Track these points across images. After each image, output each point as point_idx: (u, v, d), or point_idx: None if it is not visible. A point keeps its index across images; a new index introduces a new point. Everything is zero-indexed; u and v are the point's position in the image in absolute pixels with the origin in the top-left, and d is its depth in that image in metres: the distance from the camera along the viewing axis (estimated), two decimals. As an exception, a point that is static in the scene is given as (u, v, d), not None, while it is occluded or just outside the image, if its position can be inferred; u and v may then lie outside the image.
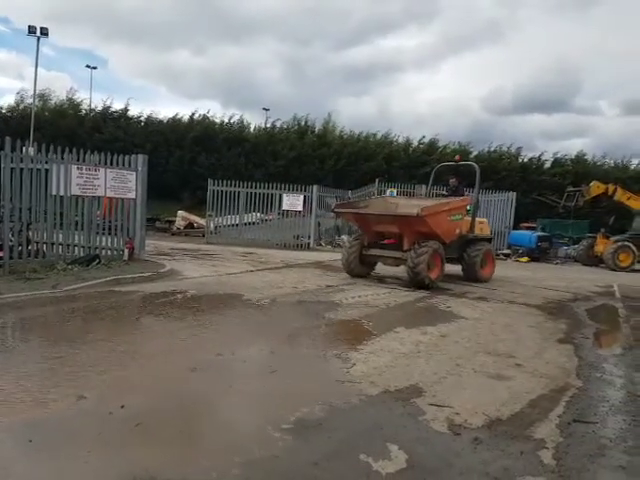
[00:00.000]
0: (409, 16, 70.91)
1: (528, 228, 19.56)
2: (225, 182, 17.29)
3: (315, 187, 17.68)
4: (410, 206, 9.62)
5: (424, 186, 18.81)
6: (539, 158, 28.44)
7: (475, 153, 28.30)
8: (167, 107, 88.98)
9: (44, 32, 25.94)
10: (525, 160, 28.31)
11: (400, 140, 29.10)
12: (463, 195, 11.03)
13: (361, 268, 9.70)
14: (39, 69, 59.12)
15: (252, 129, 29.42)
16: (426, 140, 28.72)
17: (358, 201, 10.47)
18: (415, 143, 28.89)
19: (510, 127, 56.35)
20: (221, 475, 2.46)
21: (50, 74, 59.01)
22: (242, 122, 29.26)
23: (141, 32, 65.25)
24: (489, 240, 10.81)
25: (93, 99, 33.20)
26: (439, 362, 4.47)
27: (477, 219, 10.37)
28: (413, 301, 7.65)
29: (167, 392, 3.52)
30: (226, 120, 28.93)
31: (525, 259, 16.53)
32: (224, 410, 3.35)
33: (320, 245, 17.82)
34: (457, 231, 9.44)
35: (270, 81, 63.14)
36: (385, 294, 8.05)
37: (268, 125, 30.06)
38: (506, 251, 17.63)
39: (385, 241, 9.54)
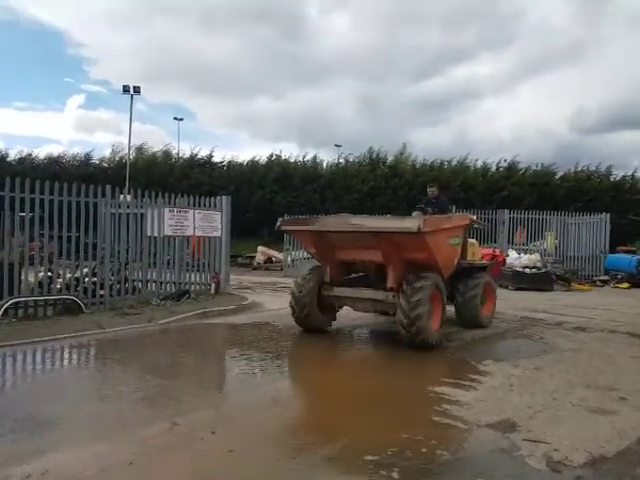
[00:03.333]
0: (484, 44, 70.00)
1: (627, 252, 17.94)
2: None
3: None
4: (388, 222, 6.91)
5: (506, 211, 18.07)
6: (632, 176, 26.31)
7: (560, 174, 26.77)
8: (248, 151, 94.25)
9: (136, 90, 28.88)
10: (617, 179, 26.30)
11: (477, 165, 28.34)
12: (446, 210, 8.22)
13: (320, 316, 6.64)
14: (135, 124, 65.56)
15: (325, 165, 30.19)
16: (505, 164, 27.71)
17: (312, 218, 7.42)
18: (493, 168, 27.97)
19: (600, 146, 52.56)
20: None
21: (145, 127, 65.24)
22: (316, 160, 30.20)
23: (224, 83, 70.47)
24: (485, 268, 7.96)
25: (182, 148, 36.04)
26: (534, 396, 4.20)
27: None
28: (501, 332, 7.26)
29: (253, 421, 3.62)
30: (300, 159, 30.03)
31: (625, 285, 15.12)
32: (323, 441, 3.36)
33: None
34: (455, 260, 6.72)
35: (345, 119, 64.83)
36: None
37: (341, 160, 30.71)
38: (603, 277, 16.27)
39: (353, 275, 6.84)
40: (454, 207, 19.48)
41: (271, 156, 30.06)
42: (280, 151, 30.61)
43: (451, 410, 3.80)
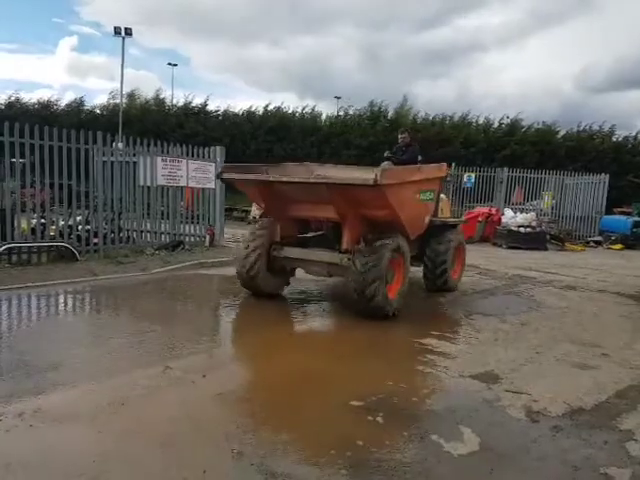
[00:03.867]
0: (494, -8, 67.24)
1: (623, 213, 17.96)
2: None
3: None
4: (354, 173, 6.02)
5: (505, 169, 17.88)
6: (635, 136, 25.93)
7: (562, 133, 26.37)
8: (244, 101, 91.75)
9: (128, 32, 27.66)
10: (619, 139, 25.96)
11: (480, 121, 27.81)
12: (415, 160, 6.99)
13: (270, 280, 5.83)
14: (129, 70, 63.45)
15: (323, 118, 29.50)
16: (508, 121, 27.20)
17: (264, 166, 6.30)
18: (496, 124, 27.46)
19: (605, 105, 51.69)
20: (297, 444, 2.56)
21: (139, 73, 63.15)
22: (314, 112, 29.49)
23: (220, 29, 67.87)
24: (456, 225, 7.19)
25: (177, 95, 34.97)
26: (518, 350, 4.30)
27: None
28: (491, 289, 7.36)
29: (243, 367, 3.70)
30: (299, 110, 29.32)
31: (619, 246, 15.23)
32: (311, 387, 3.45)
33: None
34: (426, 219, 6.01)
35: (345, 69, 62.91)
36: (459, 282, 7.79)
37: (340, 113, 29.99)
38: (597, 238, 16.36)
39: (311, 234, 6.09)
40: (453, 164, 19.31)
41: (267, 106, 29.29)
42: (282, 103, 29.82)
43: (436, 361, 3.89)
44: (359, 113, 29.13)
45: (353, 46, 65.92)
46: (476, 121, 27.91)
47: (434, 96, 54.85)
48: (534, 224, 14.34)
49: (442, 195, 7.04)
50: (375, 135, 26.68)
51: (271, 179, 5.51)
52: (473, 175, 18.15)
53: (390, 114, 28.75)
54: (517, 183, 17.73)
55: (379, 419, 2.85)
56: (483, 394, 3.29)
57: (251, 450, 2.44)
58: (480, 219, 14.62)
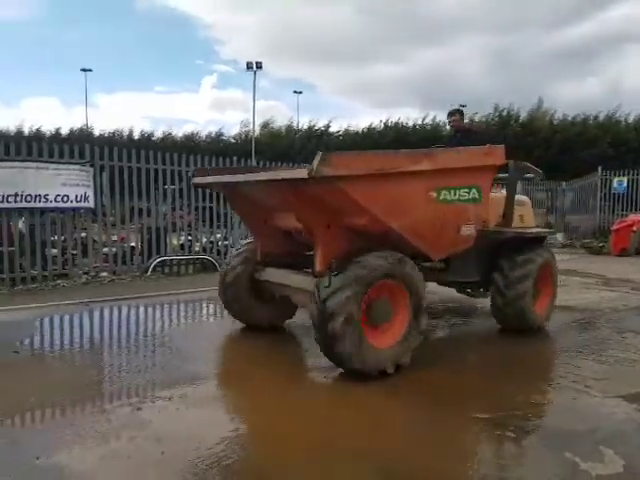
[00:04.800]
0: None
1: None
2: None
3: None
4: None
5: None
6: None
7: None
8: (365, 118, 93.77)
9: (259, 66, 30.65)
10: None
11: (630, 119, 24.71)
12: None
13: (256, 308, 4.70)
14: (260, 101, 69.12)
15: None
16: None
17: (233, 167, 4.80)
18: (651, 121, 24.16)
19: None
20: None
21: (268, 103, 68.54)
22: (436, 122, 29.03)
23: (341, 52, 70.62)
24: (541, 239, 5.03)
25: (302, 121, 37.18)
26: (680, 371, 3.71)
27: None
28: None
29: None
30: (419, 122, 29.13)
31: None
32: (437, 397, 3.39)
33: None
34: (464, 229, 3.95)
35: (473, 78, 60.54)
36: (610, 298, 6.88)
37: (465, 120, 29.03)
38: None
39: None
40: (600, 168, 17.02)
41: (387, 121, 29.63)
42: (399, 118, 30.06)
43: (577, 379, 3.52)
44: (485, 119, 27.87)
45: (479, 53, 63.44)
46: (625, 119, 24.88)
47: (574, 96, 50.11)
48: None
49: (522, 197, 5.29)
50: (505, 140, 25.15)
51: (232, 180, 4.34)
52: (625, 179, 16.09)
53: (522, 117, 26.96)
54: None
55: (509, 434, 2.68)
56: (631, 415, 2.90)
57: (385, 462, 2.43)
58: (635, 229, 12.89)
